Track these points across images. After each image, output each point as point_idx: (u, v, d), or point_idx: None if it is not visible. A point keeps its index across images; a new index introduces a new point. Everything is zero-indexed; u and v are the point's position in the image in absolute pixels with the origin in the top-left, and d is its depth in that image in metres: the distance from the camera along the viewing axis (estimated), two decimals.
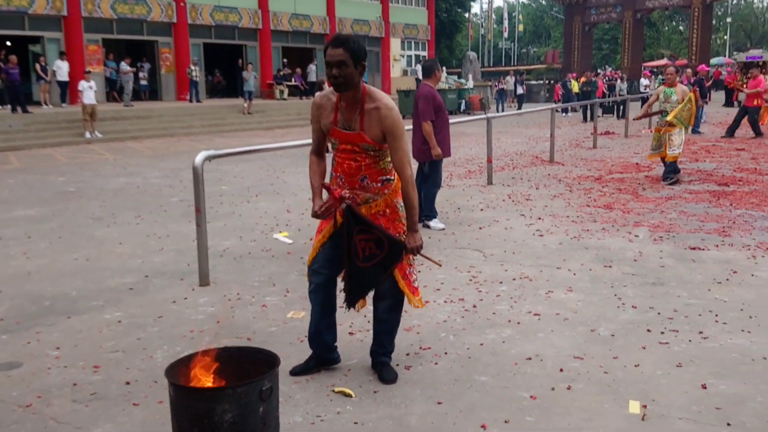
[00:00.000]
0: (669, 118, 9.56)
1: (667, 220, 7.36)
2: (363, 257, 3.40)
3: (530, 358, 3.82)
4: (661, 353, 3.88)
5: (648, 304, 4.70)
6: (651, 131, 10.60)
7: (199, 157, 5.23)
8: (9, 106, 19.09)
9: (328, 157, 3.66)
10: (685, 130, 9.90)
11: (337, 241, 3.46)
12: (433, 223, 7.30)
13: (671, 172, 9.82)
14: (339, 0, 33.05)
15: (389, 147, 3.34)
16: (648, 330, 4.23)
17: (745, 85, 16.50)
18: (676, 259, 5.83)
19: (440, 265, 3.95)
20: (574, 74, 33.57)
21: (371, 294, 3.62)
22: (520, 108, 29.95)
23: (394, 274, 3.47)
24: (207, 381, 2.62)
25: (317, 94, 3.54)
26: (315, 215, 3.39)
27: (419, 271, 5.22)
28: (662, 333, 4.18)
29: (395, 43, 36.80)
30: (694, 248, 6.18)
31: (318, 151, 3.59)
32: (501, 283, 5.26)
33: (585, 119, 24.77)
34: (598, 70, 39.46)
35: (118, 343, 4.14)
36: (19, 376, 3.68)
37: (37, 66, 21.08)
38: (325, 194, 3.44)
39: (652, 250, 6.16)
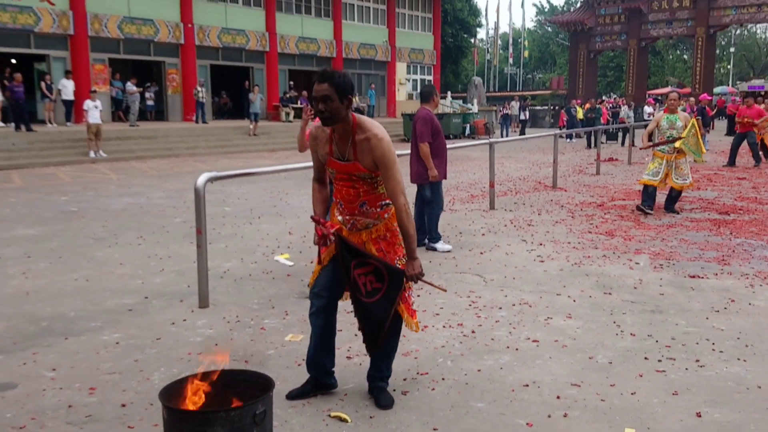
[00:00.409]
0: (677, 144, 9.27)
1: (667, 248, 7.36)
2: (366, 292, 3.41)
3: (527, 385, 3.81)
4: (657, 381, 3.87)
5: (646, 332, 4.69)
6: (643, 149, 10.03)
7: (202, 179, 5.27)
8: (13, 124, 19.19)
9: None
10: (699, 157, 9.70)
11: (337, 265, 3.48)
12: (439, 245, 7.34)
13: (674, 199, 9.61)
14: (346, 24, 33.41)
15: (382, 176, 3.36)
16: (645, 358, 4.22)
17: (745, 116, 16.46)
18: (675, 287, 5.82)
19: (445, 291, 3.95)
20: (579, 100, 33.73)
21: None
22: (522, 133, 30.09)
23: None
24: (201, 404, 2.62)
25: (313, 125, 3.57)
26: (316, 243, 3.45)
27: (418, 296, 5.24)
28: (659, 361, 4.17)
29: (401, 67, 37.10)
30: (693, 276, 6.17)
31: (319, 179, 3.63)
32: (500, 308, 5.26)
33: (589, 145, 24.83)
34: (603, 97, 39.62)
35: (115, 365, 4.14)
36: (14, 397, 3.67)
37: (42, 84, 21.21)
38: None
39: (652, 277, 6.15)
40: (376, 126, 3.37)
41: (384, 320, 3.48)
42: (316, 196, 3.61)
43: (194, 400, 2.63)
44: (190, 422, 2.51)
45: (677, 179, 9.40)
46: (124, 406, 3.56)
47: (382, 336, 3.52)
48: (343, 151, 3.39)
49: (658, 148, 9.47)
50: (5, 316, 5.08)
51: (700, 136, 9.63)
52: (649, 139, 9.78)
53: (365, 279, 3.40)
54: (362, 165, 3.34)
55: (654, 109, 32.00)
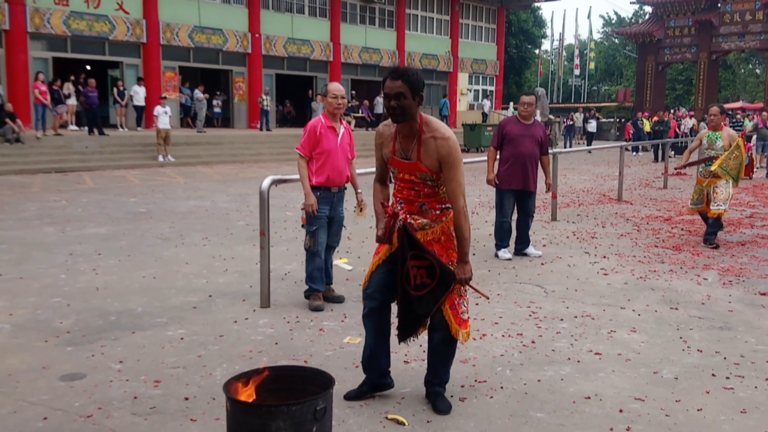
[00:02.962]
0: (713, 168, 7.94)
1: (737, 265, 7.11)
2: (414, 285, 3.41)
3: (589, 398, 3.73)
4: (725, 398, 3.75)
5: (714, 348, 4.54)
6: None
7: (266, 182, 5.38)
8: (86, 128, 19.92)
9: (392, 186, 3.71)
10: (734, 183, 8.14)
11: (392, 267, 3.49)
12: (500, 252, 7.32)
13: (713, 232, 8.15)
14: (409, 35, 33.57)
15: (444, 176, 3.35)
16: (713, 374, 4.08)
17: None
18: (745, 304, 5.62)
19: (488, 299, 3.91)
20: (646, 113, 32.97)
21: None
22: (589, 144, 29.52)
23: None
24: (263, 398, 2.66)
25: (381, 123, 3.61)
26: (379, 239, 3.45)
27: (477, 304, 5.20)
28: (727, 378, 4.03)
29: (463, 78, 37.01)
30: (764, 293, 5.95)
31: (381, 179, 3.65)
32: (561, 320, 5.17)
33: (656, 159, 24.24)
34: (671, 110, 38.63)
35: (180, 360, 4.24)
36: (82, 387, 3.80)
37: (115, 90, 21.94)
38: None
39: (721, 294, 5.95)
40: (442, 126, 3.37)
41: (424, 316, 3.49)
42: (377, 196, 3.63)
43: (257, 394, 2.67)
44: (253, 415, 2.55)
45: (713, 205, 8.04)
46: (187, 399, 3.64)
47: (418, 329, 3.55)
48: (407, 150, 3.40)
49: (698, 172, 8.31)
50: (75, 309, 5.27)
51: (744, 158, 8.23)
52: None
53: (417, 272, 3.40)
54: (424, 165, 3.34)
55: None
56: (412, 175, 3.41)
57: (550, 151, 8.00)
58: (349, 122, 28.02)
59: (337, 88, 5.35)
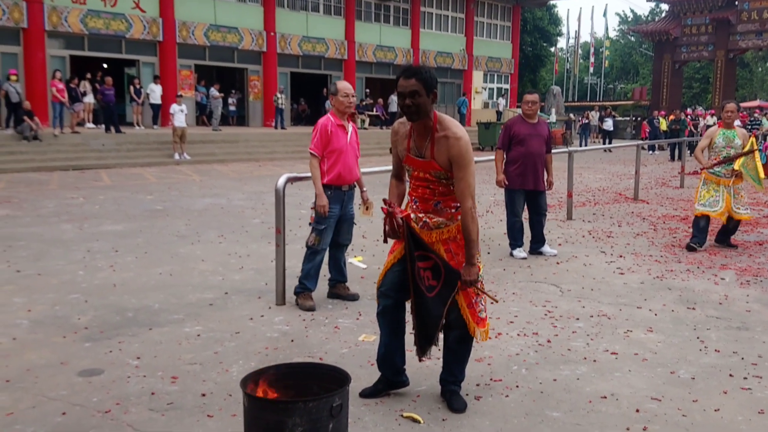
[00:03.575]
0: (737, 165, 7.60)
1: (755, 264, 7.05)
2: (426, 287, 3.41)
3: (605, 397, 3.72)
4: (743, 399, 3.72)
5: (731, 349, 4.51)
6: (700, 173, 8.13)
7: (282, 179, 5.40)
8: (103, 126, 20.07)
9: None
10: (759, 185, 7.90)
11: (406, 266, 3.49)
12: (515, 252, 7.31)
13: (731, 234, 8.00)
14: (424, 33, 33.51)
15: (454, 176, 3.34)
16: (730, 375, 4.06)
17: None
18: (762, 304, 5.57)
19: (496, 301, 3.89)
20: (663, 112, 32.72)
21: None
22: (609, 143, 29.25)
23: (458, 301, 3.45)
24: (279, 394, 2.67)
25: (396, 120, 3.62)
26: (387, 235, 3.47)
27: (492, 303, 5.18)
28: (745, 378, 4.00)
29: (477, 76, 36.91)
30: None
31: (397, 175, 3.66)
32: (577, 319, 5.15)
33: (672, 158, 24.07)
34: (688, 109, 38.31)
35: (196, 356, 4.26)
36: (100, 383, 3.83)
37: (131, 88, 22.10)
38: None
39: (739, 293, 5.91)
40: (456, 125, 3.37)
41: (437, 319, 3.46)
42: (392, 191, 3.63)
43: (273, 390, 2.68)
44: (269, 411, 2.56)
45: (739, 209, 7.73)
46: (204, 395, 3.67)
47: (436, 337, 3.52)
48: (421, 148, 3.40)
49: (711, 171, 7.78)
50: (93, 306, 5.32)
51: (758, 158, 7.93)
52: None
53: (424, 273, 3.40)
54: (438, 163, 3.34)
55: (741, 123, 30.72)
56: (426, 173, 3.41)
57: (566, 149, 7.96)
58: (363, 120, 28.10)
59: (347, 86, 5.35)
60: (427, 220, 3.45)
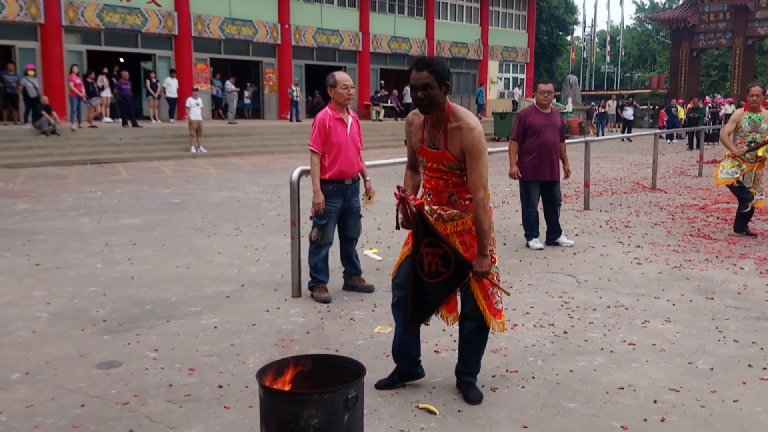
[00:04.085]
0: (760, 153, 7.52)
1: None
2: (428, 272, 3.40)
3: (622, 388, 3.70)
4: (762, 389, 3.68)
5: (751, 339, 4.46)
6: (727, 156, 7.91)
7: (296, 173, 5.42)
8: (120, 120, 20.20)
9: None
10: None
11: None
12: (531, 242, 7.28)
13: (747, 220, 7.93)
14: (438, 23, 33.37)
15: (467, 166, 3.32)
16: (749, 365, 4.02)
17: None
18: None
19: (508, 294, 3.88)
20: (681, 100, 32.38)
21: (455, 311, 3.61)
22: (629, 132, 28.91)
23: (474, 292, 3.44)
24: (295, 386, 2.68)
25: (411, 111, 3.61)
26: (402, 225, 3.46)
27: (508, 294, 5.16)
28: (764, 369, 3.97)
29: (493, 66, 36.71)
30: None
31: (412, 166, 3.65)
32: (594, 310, 5.12)
33: (691, 147, 23.83)
34: (706, 97, 37.90)
35: (213, 348, 4.29)
36: (118, 375, 3.87)
37: (148, 82, 22.20)
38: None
39: (758, 283, 5.84)
40: (469, 115, 3.35)
41: (436, 303, 3.48)
42: (407, 182, 3.63)
43: (289, 382, 2.69)
44: (285, 403, 2.57)
45: (757, 195, 7.75)
46: (221, 387, 3.69)
47: (429, 317, 3.55)
48: (434, 139, 3.39)
49: (742, 156, 7.63)
50: (111, 299, 5.36)
51: None
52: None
53: (432, 259, 3.39)
54: (451, 154, 3.33)
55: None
56: (440, 164, 3.39)
57: (583, 139, 7.90)
58: (378, 112, 28.04)
59: (346, 78, 5.31)
60: (441, 212, 3.44)
